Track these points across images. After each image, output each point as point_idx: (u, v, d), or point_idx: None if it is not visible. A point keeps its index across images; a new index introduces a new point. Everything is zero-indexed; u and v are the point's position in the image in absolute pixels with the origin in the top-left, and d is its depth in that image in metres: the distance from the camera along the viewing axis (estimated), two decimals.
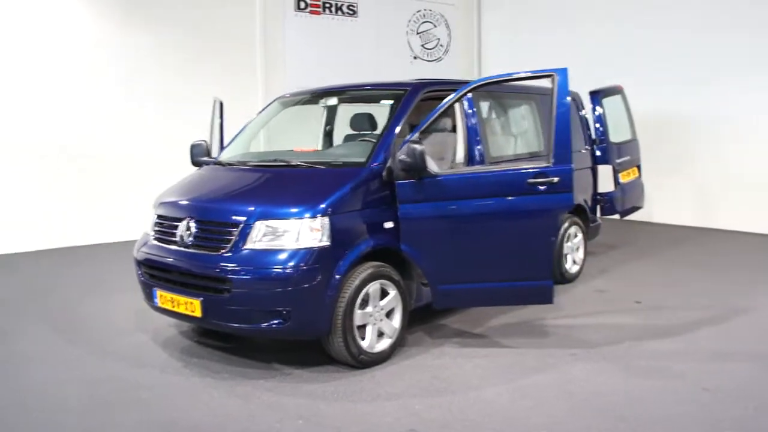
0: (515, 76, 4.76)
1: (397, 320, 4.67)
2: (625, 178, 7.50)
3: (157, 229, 4.86)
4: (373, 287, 4.47)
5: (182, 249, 4.53)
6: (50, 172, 8.90)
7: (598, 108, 7.22)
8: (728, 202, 9.49)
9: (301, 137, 6.45)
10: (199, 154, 5.70)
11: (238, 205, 4.49)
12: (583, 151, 7.07)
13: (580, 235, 6.86)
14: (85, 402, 4.06)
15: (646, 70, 10.10)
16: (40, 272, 7.69)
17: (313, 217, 4.23)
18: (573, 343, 4.94)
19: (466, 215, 4.60)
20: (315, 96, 5.94)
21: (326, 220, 4.24)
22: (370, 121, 6.00)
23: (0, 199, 8.60)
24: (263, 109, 5.93)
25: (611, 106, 7.41)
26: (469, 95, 5.31)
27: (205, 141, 5.71)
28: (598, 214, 7.43)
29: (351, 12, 11.61)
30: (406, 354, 4.77)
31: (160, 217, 4.89)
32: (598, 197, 7.35)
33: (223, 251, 4.30)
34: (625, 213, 7.62)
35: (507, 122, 6.32)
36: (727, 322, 5.35)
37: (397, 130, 4.79)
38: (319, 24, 11.29)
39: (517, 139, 6.28)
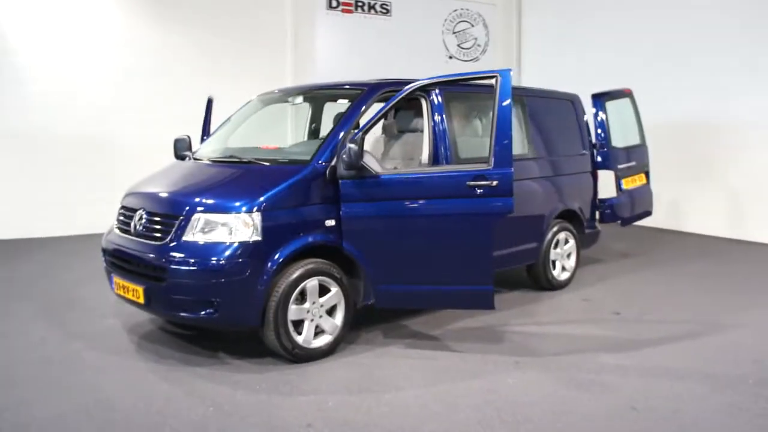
0: (460, 77, 4.69)
1: (339, 317, 4.69)
2: (629, 184, 7.22)
3: (119, 218, 5.06)
4: (311, 283, 4.50)
5: (133, 238, 4.71)
6: (79, 164, 9.37)
7: (599, 112, 6.98)
8: (762, 213, 8.96)
9: (284, 134, 6.56)
10: (182, 149, 5.87)
11: (182, 197, 4.62)
12: (581, 155, 6.85)
13: (571, 242, 6.66)
14: (30, 380, 4.28)
15: (685, 73, 9.69)
16: (52, 257, 8.13)
17: (247, 212, 4.31)
18: (523, 351, 4.82)
19: (406, 216, 4.58)
20: (286, 94, 6.01)
21: (258, 215, 4.31)
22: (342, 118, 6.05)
23: (33, 186, 9.13)
24: (242, 106, 6.05)
25: (617, 109, 7.15)
26: (438, 96, 5.27)
27: (188, 136, 5.88)
28: (597, 220, 7.18)
29: (384, 11, 11.65)
30: (351, 351, 4.79)
31: (122, 207, 5.09)
32: (598, 203, 7.11)
33: (164, 242, 4.44)
34: (628, 221, 7.33)
35: (487, 124, 6.20)
36: (696, 340, 5.07)
37: (344, 131, 4.78)
38: (351, 23, 11.38)
39: None
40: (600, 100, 7.02)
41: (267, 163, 4.89)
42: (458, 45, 12.42)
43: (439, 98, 5.32)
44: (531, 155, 6.20)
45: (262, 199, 4.36)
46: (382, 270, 4.69)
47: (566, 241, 6.62)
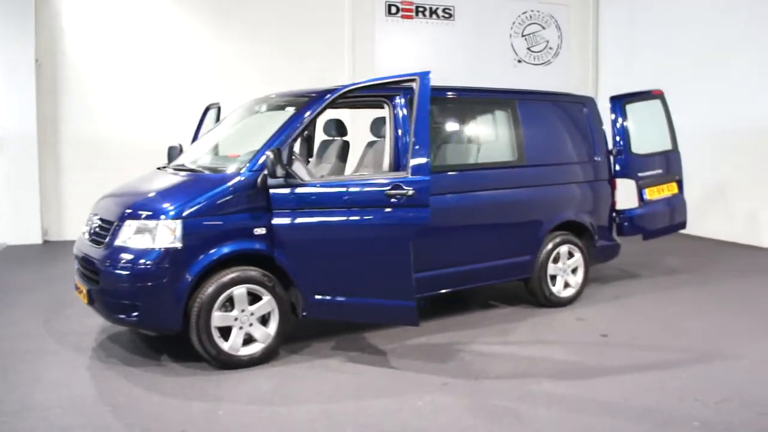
0: (377, 82, 4.50)
1: (272, 326, 4.62)
2: (654, 194, 6.55)
3: (87, 223, 5.30)
4: (238, 291, 4.47)
5: (87, 242, 4.91)
6: (140, 171, 9.92)
7: (617, 116, 6.39)
8: None
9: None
10: (174, 156, 6.04)
11: (121, 204, 4.75)
12: (592, 162, 6.30)
13: (577, 256, 6.14)
14: None
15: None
16: None
17: (169, 219, 4.36)
18: (463, 372, 4.49)
19: (330, 226, 4.45)
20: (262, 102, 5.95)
21: (179, 222, 4.34)
22: (337, 126, 5.98)
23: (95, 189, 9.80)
24: (228, 115, 6.11)
25: (643, 113, 6.52)
26: (402, 100, 5.09)
27: (180, 144, 6.05)
28: (614, 233, 6.57)
29: (447, 15, 11.41)
30: (287, 361, 4.71)
31: (91, 212, 5.32)
32: (615, 215, 6.51)
33: (101, 246, 4.60)
34: (652, 234, 6.65)
35: (466, 130, 5.87)
36: (667, 372, 4.46)
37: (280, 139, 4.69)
38: (411, 28, 11.27)
39: (481, 147, 5.80)
40: (618, 102, 6.43)
41: (207, 172, 4.91)
42: (528, 48, 11.91)
43: (403, 102, 5.12)
44: (520, 162, 5.78)
45: (183, 206, 4.40)
46: (311, 280, 4.57)
47: (570, 255, 6.11)
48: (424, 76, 4.19)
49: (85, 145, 9.74)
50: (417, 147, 4.11)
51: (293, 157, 4.61)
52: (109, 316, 4.60)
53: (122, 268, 4.38)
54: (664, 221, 6.71)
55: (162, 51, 10.06)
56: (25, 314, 5.92)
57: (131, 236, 4.45)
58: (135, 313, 4.40)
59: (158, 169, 5.45)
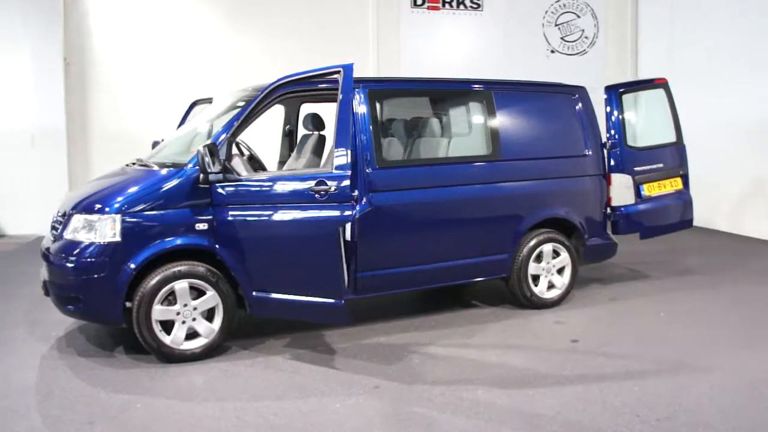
0: (306, 75, 4.36)
1: (216, 321, 4.59)
2: (654, 190, 6.11)
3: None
4: (180, 285, 4.47)
5: (49, 235, 5.01)
6: None
7: (612, 107, 6.00)
8: None
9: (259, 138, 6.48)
10: None
11: (74, 198, 4.83)
12: (581, 156, 5.94)
13: (563, 255, 5.81)
14: None
15: None
16: None
17: (109, 213, 4.39)
18: (402, 376, 4.31)
19: (262, 222, 4.40)
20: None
21: (118, 217, 4.37)
22: (314, 121, 5.90)
23: None
24: (205, 109, 6.12)
25: (644, 103, 6.11)
26: (361, 95, 4.97)
27: (162, 139, 6.10)
28: (609, 231, 6.19)
29: (475, 6, 11.10)
30: (232, 357, 4.69)
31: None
32: (609, 212, 6.12)
33: (55, 239, 4.69)
34: (650, 232, 6.22)
35: (436, 123, 5.63)
36: (619, 383, 4.13)
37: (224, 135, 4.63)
38: (438, 20, 11.02)
39: (451, 141, 5.55)
40: (614, 92, 6.04)
41: (156, 167, 4.89)
42: (561, 38, 11.43)
43: (362, 97, 4.99)
44: (494, 157, 5.51)
45: (122, 201, 4.44)
46: (248, 276, 4.51)
47: (555, 254, 5.80)
48: (347, 68, 4.05)
49: (112, 141, 10.02)
50: (338, 141, 3.97)
51: (233, 153, 4.55)
52: (59, 307, 4.69)
53: (67, 261, 4.45)
54: (665, 219, 6.26)
55: (187, 48, 10.24)
56: (19, 304, 6.10)
57: (78, 230, 4.51)
58: (76, 305, 4.47)
59: (126, 165, 5.50)
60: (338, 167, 4.02)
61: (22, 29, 9.59)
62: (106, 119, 10.04)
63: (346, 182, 3.98)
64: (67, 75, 9.75)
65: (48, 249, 4.73)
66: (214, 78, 10.21)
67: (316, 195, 4.11)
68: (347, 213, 4.07)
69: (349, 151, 4.01)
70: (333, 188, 4.02)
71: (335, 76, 4.18)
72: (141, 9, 10.05)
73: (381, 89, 5.20)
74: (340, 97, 4.02)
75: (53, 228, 4.87)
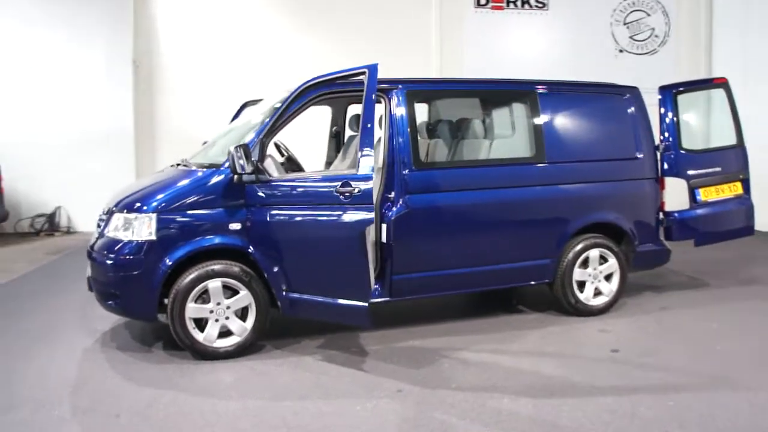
0: (331, 77, 4.36)
1: (249, 320, 4.65)
2: (711, 194, 5.79)
3: None
4: (213, 284, 4.55)
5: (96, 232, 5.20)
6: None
7: (666, 108, 5.72)
8: None
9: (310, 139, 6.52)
10: None
11: (118, 197, 4.97)
12: (632, 159, 5.68)
13: (611, 261, 5.57)
14: None
15: None
16: None
17: (146, 212, 4.51)
18: (428, 381, 4.23)
19: (291, 223, 4.41)
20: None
21: (154, 216, 4.49)
22: (358, 121, 5.88)
23: None
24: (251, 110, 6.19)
25: (704, 104, 5.79)
26: (399, 96, 4.95)
27: (206, 141, 6.21)
28: (662, 237, 5.90)
29: (540, 5, 10.87)
30: (263, 356, 4.72)
31: None
32: (662, 217, 5.84)
33: (98, 236, 4.86)
34: (706, 239, 5.88)
35: (478, 125, 5.50)
36: (654, 396, 3.91)
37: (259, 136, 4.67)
38: (502, 20, 10.86)
39: (493, 143, 5.42)
40: (668, 93, 5.75)
41: (195, 168, 4.97)
42: (630, 37, 11.03)
43: (400, 99, 4.96)
44: (538, 159, 5.35)
45: (159, 200, 4.55)
46: (279, 276, 4.54)
47: (603, 260, 5.58)
48: (372, 68, 4.01)
49: (178, 141, 10.30)
50: (363, 143, 3.94)
51: (267, 155, 4.60)
52: (100, 303, 4.84)
53: (107, 258, 4.60)
54: (722, 225, 5.92)
55: (254, 51, 10.47)
56: (75, 298, 6.35)
57: (118, 228, 4.66)
58: (114, 301, 4.62)
59: (170, 165, 5.63)
60: (363, 169, 3.99)
61: (96, 33, 10.07)
62: (172, 121, 10.38)
63: (370, 184, 3.95)
64: (135, 77, 10.14)
65: (92, 246, 4.91)
66: (279, 80, 10.32)
67: (341, 196, 4.10)
68: (370, 215, 4.03)
69: (372, 153, 3.97)
70: (356, 190, 4.00)
71: (361, 77, 4.16)
72: (207, 12, 10.36)
73: (420, 90, 5.14)
74: (365, 98, 4.00)
75: (98, 225, 5.05)
